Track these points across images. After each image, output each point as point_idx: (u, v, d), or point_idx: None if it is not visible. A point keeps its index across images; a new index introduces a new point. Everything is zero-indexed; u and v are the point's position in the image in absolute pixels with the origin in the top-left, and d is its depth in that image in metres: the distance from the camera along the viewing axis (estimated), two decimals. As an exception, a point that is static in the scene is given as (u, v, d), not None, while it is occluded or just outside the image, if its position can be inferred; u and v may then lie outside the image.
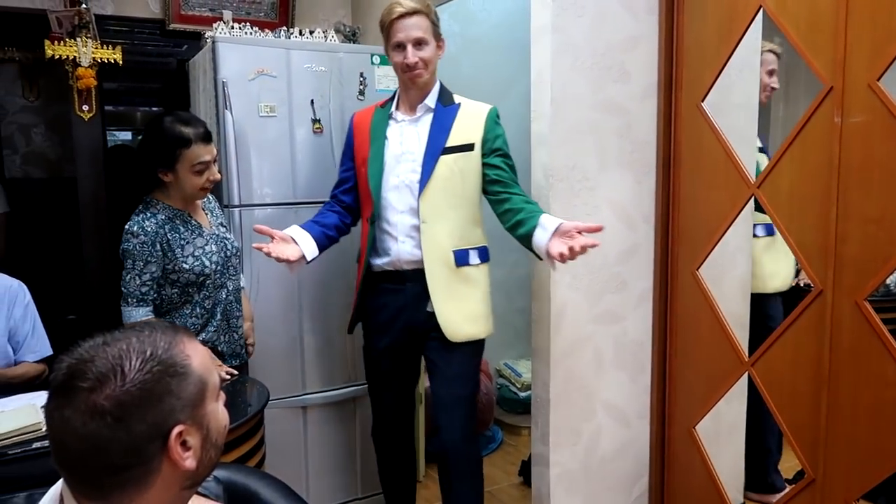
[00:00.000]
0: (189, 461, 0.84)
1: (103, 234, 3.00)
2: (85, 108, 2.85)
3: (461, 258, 2.03)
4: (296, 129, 2.47)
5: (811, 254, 1.77)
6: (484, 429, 3.26)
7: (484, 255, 2.10)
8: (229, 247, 2.07)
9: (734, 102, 2.41)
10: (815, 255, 1.76)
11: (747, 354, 2.02)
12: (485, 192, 2.06)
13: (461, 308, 2.03)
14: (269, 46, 2.47)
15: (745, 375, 2.02)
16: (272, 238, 1.94)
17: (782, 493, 1.91)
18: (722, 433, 2.46)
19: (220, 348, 2.04)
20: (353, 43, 2.97)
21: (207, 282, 1.98)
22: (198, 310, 1.99)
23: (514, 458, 3.20)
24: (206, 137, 1.92)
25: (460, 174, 2.00)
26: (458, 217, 2.02)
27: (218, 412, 0.92)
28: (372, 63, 2.62)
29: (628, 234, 2.20)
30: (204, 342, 1.95)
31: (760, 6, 1.90)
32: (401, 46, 1.97)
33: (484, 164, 2.02)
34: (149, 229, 1.90)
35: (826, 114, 1.73)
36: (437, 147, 1.99)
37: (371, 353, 2.19)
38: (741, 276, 2.40)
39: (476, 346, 2.09)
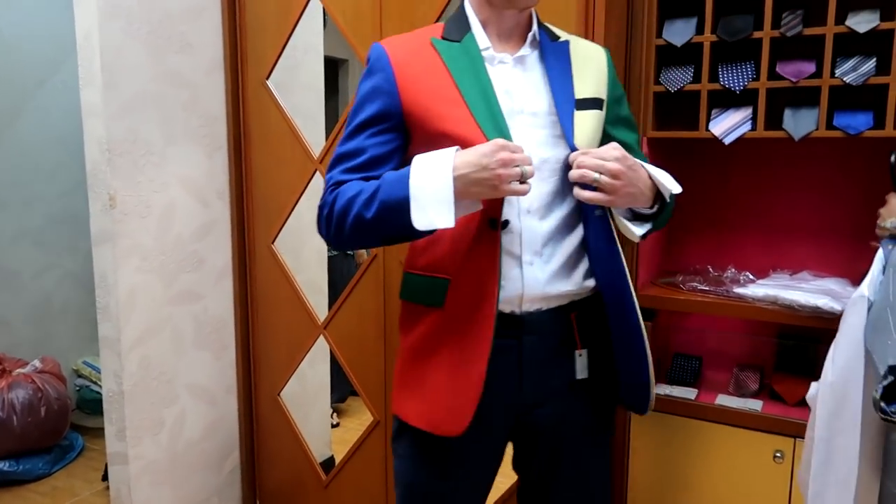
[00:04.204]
0: None
1: None
2: None
3: None
4: None
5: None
6: (58, 439, 2.88)
7: None
8: None
9: (301, 82, 2.55)
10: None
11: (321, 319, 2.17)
12: None
13: None
14: None
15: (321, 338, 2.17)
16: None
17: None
18: (309, 395, 2.62)
19: None
20: None
21: None
22: None
23: (99, 462, 2.91)
24: None
25: (595, 144, 1.22)
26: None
27: None
28: None
29: (203, 210, 2.15)
30: None
31: (312, -8, 2.02)
32: None
33: (606, 137, 1.26)
34: None
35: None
36: (567, 98, 1.20)
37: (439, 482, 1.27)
38: (319, 244, 2.56)
39: None
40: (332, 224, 1.16)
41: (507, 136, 1.12)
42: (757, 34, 1.55)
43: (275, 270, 2.21)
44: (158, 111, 2.00)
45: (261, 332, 2.28)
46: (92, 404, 3.23)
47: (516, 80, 1.21)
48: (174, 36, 2.03)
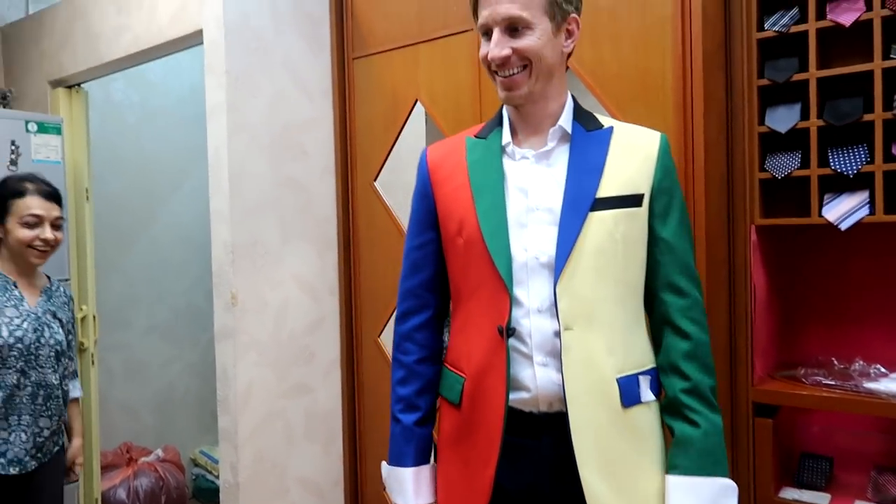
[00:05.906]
0: None
1: None
2: None
3: (630, 392, 1.16)
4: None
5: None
6: (176, 527, 2.99)
7: (655, 383, 1.20)
8: (47, 335, 1.85)
9: (405, 181, 2.67)
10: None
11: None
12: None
13: (625, 483, 1.14)
14: None
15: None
16: None
17: None
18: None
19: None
20: (4, 108, 2.65)
21: None
22: None
23: (213, 553, 2.98)
24: (49, 195, 1.87)
25: (622, 244, 1.16)
26: (621, 317, 1.17)
27: None
28: (27, 130, 2.36)
29: (314, 306, 2.26)
30: None
31: (416, 99, 2.16)
32: (486, 32, 1.17)
33: (650, 236, 1.20)
34: None
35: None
36: (582, 195, 1.16)
37: None
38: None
39: None
40: (392, 373, 1.33)
41: (503, 237, 1.15)
42: (868, 117, 1.50)
43: (381, 363, 2.26)
44: (276, 214, 2.16)
45: (367, 425, 2.32)
46: (207, 493, 3.34)
47: (536, 176, 1.18)
48: (292, 145, 2.21)
